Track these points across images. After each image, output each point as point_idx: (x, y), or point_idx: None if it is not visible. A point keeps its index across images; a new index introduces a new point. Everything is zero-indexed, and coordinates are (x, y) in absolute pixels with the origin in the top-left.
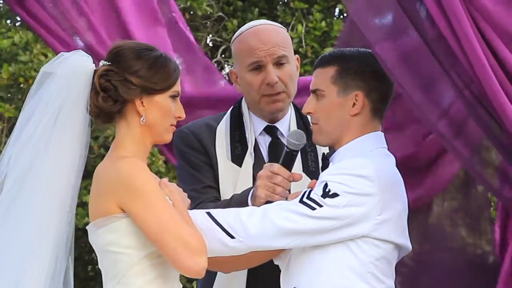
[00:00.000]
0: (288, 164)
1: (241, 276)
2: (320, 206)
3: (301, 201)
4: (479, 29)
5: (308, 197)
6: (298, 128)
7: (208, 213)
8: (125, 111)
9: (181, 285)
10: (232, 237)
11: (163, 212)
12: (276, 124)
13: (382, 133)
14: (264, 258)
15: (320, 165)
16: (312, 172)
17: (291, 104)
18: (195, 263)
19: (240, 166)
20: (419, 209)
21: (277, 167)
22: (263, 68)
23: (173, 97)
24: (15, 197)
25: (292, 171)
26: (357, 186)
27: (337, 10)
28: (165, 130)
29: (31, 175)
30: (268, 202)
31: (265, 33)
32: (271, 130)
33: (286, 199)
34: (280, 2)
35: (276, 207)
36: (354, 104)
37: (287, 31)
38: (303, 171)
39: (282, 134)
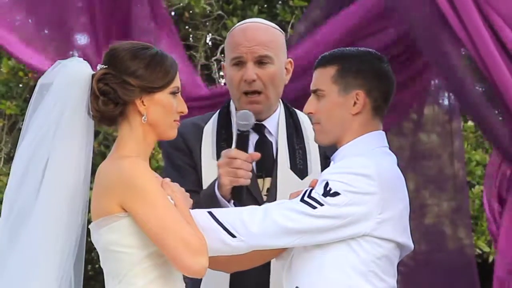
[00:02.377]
0: (243, 146)
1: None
2: (321, 205)
3: (302, 199)
4: (488, 20)
5: (309, 196)
6: (288, 127)
7: (210, 213)
8: (126, 112)
9: (184, 285)
10: (233, 236)
11: (164, 212)
12: (264, 122)
13: (383, 132)
14: (266, 258)
15: (308, 163)
16: (300, 169)
17: (281, 101)
18: (196, 262)
19: None
20: (418, 210)
21: (234, 151)
22: (243, 64)
23: (174, 93)
24: (28, 207)
25: (279, 167)
26: (358, 185)
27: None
28: (169, 126)
29: (42, 183)
30: (234, 188)
31: (252, 31)
32: (258, 128)
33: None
34: (280, 1)
35: (277, 206)
36: (355, 103)
37: (287, 29)
38: (291, 168)
39: (269, 132)
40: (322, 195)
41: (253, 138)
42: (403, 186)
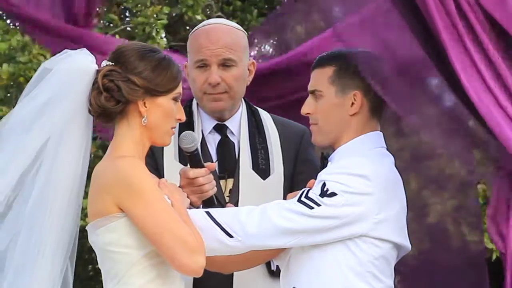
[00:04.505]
0: (197, 164)
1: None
2: (318, 205)
3: (299, 200)
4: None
5: (306, 196)
6: (250, 126)
7: (207, 212)
8: (127, 111)
9: (183, 285)
10: (230, 236)
11: (161, 212)
12: (226, 123)
13: (381, 133)
14: (263, 258)
15: (271, 163)
16: (262, 170)
17: (243, 100)
18: (193, 262)
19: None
20: (420, 208)
21: (191, 173)
22: (208, 67)
23: (175, 99)
24: (24, 201)
25: (241, 168)
26: (355, 185)
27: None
28: (166, 132)
29: (37, 179)
30: (205, 200)
31: (216, 33)
32: (220, 129)
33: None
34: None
35: (274, 206)
36: (352, 103)
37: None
38: (253, 168)
39: (232, 133)
40: (319, 195)
41: (216, 138)
42: (400, 187)
